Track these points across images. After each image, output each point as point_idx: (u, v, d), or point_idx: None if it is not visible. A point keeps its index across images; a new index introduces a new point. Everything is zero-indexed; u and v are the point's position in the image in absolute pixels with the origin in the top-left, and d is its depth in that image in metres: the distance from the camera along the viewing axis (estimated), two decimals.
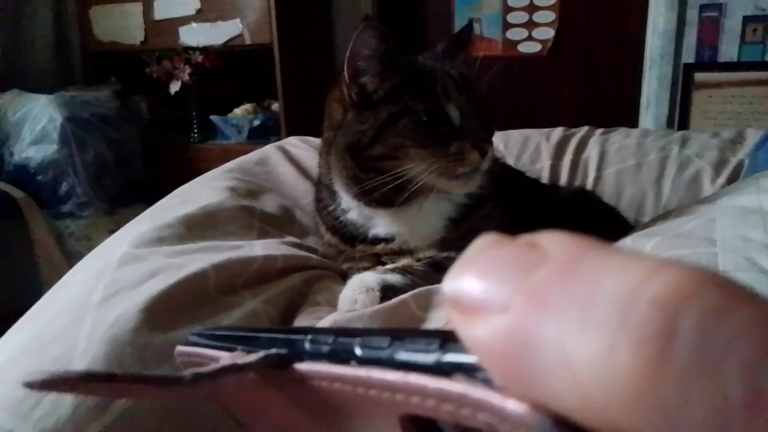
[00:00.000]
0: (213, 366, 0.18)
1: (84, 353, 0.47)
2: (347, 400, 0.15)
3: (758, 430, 0.08)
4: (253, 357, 0.17)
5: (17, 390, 0.43)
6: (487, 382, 0.11)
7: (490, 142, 0.68)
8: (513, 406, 0.10)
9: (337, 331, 0.16)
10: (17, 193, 1.95)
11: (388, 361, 0.13)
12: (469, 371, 0.11)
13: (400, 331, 0.14)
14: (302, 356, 0.16)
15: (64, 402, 0.42)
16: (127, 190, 2.20)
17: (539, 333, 0.10)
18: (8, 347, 0.51)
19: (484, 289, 0.11)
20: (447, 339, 0.12)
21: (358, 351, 0.14)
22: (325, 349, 0.15)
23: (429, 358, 0.12)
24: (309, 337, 0.16)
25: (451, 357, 0.12)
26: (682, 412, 0.08)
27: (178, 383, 0.17)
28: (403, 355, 0.13)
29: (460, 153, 0.65)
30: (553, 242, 0.11)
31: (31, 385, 0.15)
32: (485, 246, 0.12)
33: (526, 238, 0.11)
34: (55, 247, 1.99)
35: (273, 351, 0.17)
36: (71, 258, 1.90)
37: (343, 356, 0.15)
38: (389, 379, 0.13)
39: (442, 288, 0.12)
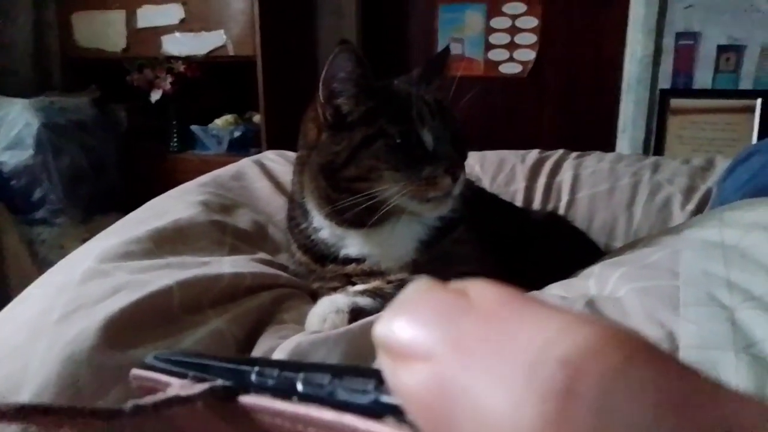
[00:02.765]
0: (156, 397, 0.18)
1: (37, 372, 0.46)
2: None
3: None
4: (198, 388, 0.17)
5: None
6: (413, 426, 0.11)
7: (463, 168, 0.69)
8: None
9: (283, 365, 0.16)
10: None
11: (327, 400, 0.13)
12: (399, 414, 0.12)
13: (342, 368, 0.14)
14: (248, 388, 0.16)
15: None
16: (102, 198, 2.17)
17: (458, 384, 0.10)
18: None
19: (412, 336, 0.11)
20: (381, 381, 0.12)
21: (300, 387, 0.14)
22: (270, 382, 0.16)
23: (365, 399, 0.12)
24: (256, 369, 0.16)
25: (384, 398, 0.12)
26: None
27: (119, 416, 0.17)
28: (341, 395, 0.13)
29: (432, 177, 0.66)
30: (479, 292, 0.11)
31: None
32: (417, 291, 0.12)
33: (456, 286, 0.12)
34: (25, 254, 1.96)
35: (219, 383, 0.17)
36: (43, 266, 1.86)
37: (285, 391, 0.15)
38: (325, 419, 0.13)
39: (373, 330, 0.12)
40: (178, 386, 0.18)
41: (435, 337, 0.11)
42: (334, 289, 0.71)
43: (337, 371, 0.14)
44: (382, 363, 0.11)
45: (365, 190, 0.66)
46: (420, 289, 0.12)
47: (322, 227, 0.73)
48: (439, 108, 0.69)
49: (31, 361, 0.47)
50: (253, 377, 0.16)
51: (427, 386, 0.10)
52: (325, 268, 0.74)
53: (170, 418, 0.21)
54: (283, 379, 0.15)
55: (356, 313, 0.62)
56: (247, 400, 0.16)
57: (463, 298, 0.11)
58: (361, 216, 0.68)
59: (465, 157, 0.72)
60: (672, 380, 0.09)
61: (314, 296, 0.72)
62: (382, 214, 0.67)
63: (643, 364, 0.09)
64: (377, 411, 0.12)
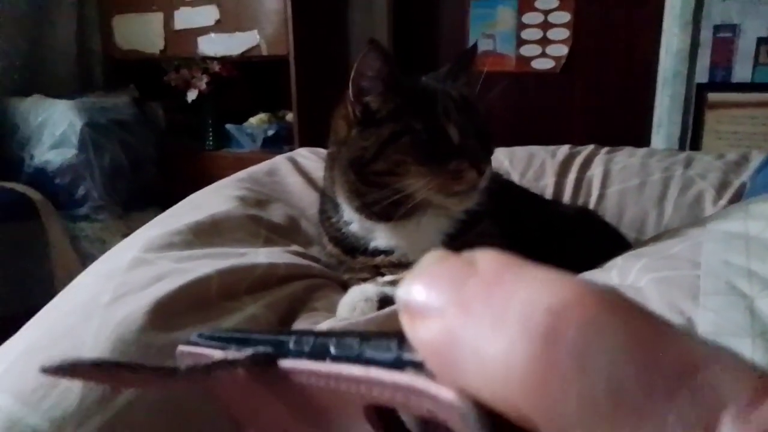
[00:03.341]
0: (205, 361, 0.20)
1: (92, 350, 0.49)
2: (322, 393, 0.17)
3: (616, 415, 0.10)
4: (241, 354, 0.19)
5: (29, 381, 0.46)
6: (430, 375, 0.13)
7: (488, 162, 0.70)
8: (446, 393, 0.12)
9: (318, 333, 0.17)
10: (35, 195, 1.99)
11: (356, 358, 0.15)
12: (418, 366, 0.13)
13: (369, 333, 0.16)
14: (287, 355, 0.18)
15: (71, 394, 0.45)
16: (141, 194, 2.24)
17: (464, 334, 0.12)
18: (22, 342, 0.54)
19: (427, 298, 0.13)
20: (403, 340, 0.14)
21: (332, 350, 0.16)
22: (306, 348, 0.17)
23: (388, 355, 0.14)
24: (293, 338, 0.18)
25: (406, 355, 0.14)
26: (560, 400, 0.10)
27: (174, 375, 0.19)
28: (368, 354, 0.15)
29: (458, 171, 0.67)
30: (484, 259, 0.13)
31: (46, 371, 0.17)
32: (433, 261, 0.14)
33: (466, 256, 0.14)
34: (69, 248, 2.03)
35: (260, 349, 0.19)
36: (85, 259, 1.93)
37: (320, 354, 0.16)
38: (354, 374, 0.15)
39: (396, 294, 0.14)
40: (221, 355, 0.20)
41: (445, 298, 0.13)
42: (364, 280, 0.73)
43: (365, 336, 0.16)
44: (403, 321, 0.13)
45: (393, 184, 0.68)
46: (435, 258, 0.14)
47: (352, 220, 0.75)
48: (465, 103, 0.70)
49: (85, 341, 0.51)
50: (291, 345, 0.18)
51: (439, 338, 0.12)
52: (355, 260, 0.76)
53: (215, 382, 0.23)
54: (317, 345, 0.17)
55: (384, 302, 0.64)
56: (286, 364, 0.18)
57: (470, 265, 0.13)
58: (389, 209, 0.70)
59: (491, 152, 0.73)
60: (641, 326, 0.11)
61: (345, 287, 0.74)
62: (409, 207, 0.69)
63: (616, 312, 0.11)
64: (399, 365, 0.14)
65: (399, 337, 0.14)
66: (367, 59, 0.68)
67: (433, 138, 0.67)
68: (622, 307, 0.11)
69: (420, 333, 0.13)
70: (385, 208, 0.70)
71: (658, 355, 0.10)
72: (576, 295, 0.11)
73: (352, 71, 0.69)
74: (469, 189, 0.68)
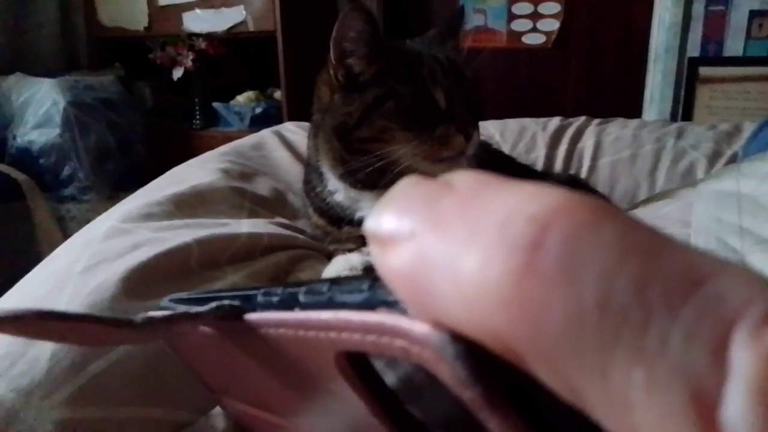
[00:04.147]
0: (166, 312, 0.19)
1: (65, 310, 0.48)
2: (293, 344, 0.16)
3: (607, 330, 0.09)
4: (205, 307, 0.18)
5: None
6: (403, 312, 0.12)
7: (476, 127, 0.68)
8: (418, 327, 0.11)
9: (287, 284, 0.16)
10: (20, 176, 1.97)
11: (327, 304, 0.14)
12: (391, 305, 0.12)
13: (341, 278, 0.15)
14: (255, 308, 0.17)
15: (39, 363, 0.43)
16: (128, 174, 2.21)
17: (436, 253, 0.10)
18: None
19: (397, 222, 0.11)
20: (375, 280, 0.13)
21: (302, 297, 0.15)
22: (275, 299, 0.16)
23: (359, 297, 0.13)
24: (262, 290, 0.17)
25: (377, 294, 0.13)
26: (543, 314, 0.09)
27: (129, 325, 0.18)
28: (338, 297, 0.14)
29: (445, 137, 0.65)
30: (461, 177, 0.12)
31: None
32: (405, 186, 0.12)
33: (442, 178, 0.12)
34: (56, 230, 2.02)
35: (225, 302, 0.18)
36: None
37: (289, 303, 0.15)
38: (323, 318, 0.14)
39: (364, 225, 0.12)
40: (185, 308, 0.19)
41: (417, 219, 0.11)
42: (350, 251, 0.72)
43: (336, 280, 0.15)
44: (373, 253, 0.12)
45: (377, 150, 0.66)
46: (407, 183, 0.12)
47: (337, 189, 0.74)
48: (452, 67, 0.68)
49: (56, 308, 0.49)
50: (259, 298, 0.17)
51: (410, 262, 0.11)
52: (341, 231, 0.75)
53: (179, 338, 0.22)
54: (286, 294, 0.16)
55: (369, 271, 0.63)
56: (254, 317, 0.17)
57: (445, 186, 0.12)
58: (374, 177, 0.68)
59: (479, 117, 0.71)
60: (637, 234, 0.09)
61: (330, 258, 0.73)
62: (395, 175, 0.67)
63: (608, 220, 0.09)
64: (370, 304, 0.13)
65: (372, 278, 0.13)
66: (348, 19, 0.65)
67: (418, 103, 0.66)
68: (614, 216, 0.10)
69: (391, 261, 0.11)
70: (370, 176, 0.68)
71: (658, 264, 0.09)
72: (562, 203, 0.10)
73: (333, 32, 0.67)
74: (456, 155, 0.66)
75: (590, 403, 0.09)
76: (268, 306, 0.16)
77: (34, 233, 1.97)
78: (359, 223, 0.73)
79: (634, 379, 0.08)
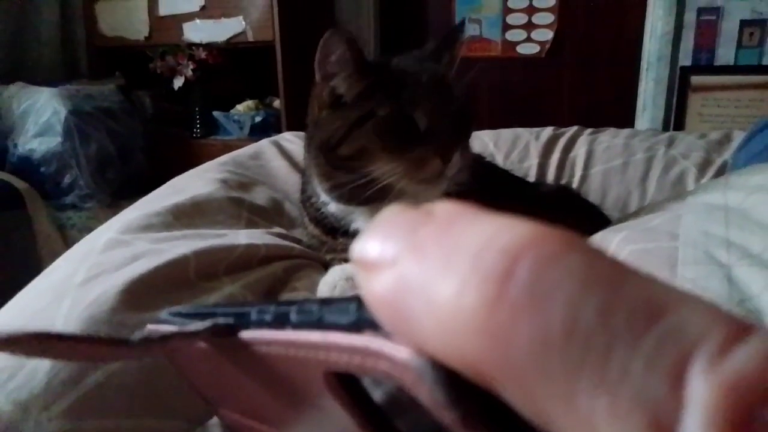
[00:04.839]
0: (162, 330, 0.19)
1: (62, 330, 0.49)
2: (284, 362, 0.16)
3: (572, 357, 0.09)
4: (200, 325, 0.18)
5: None
6: (388, 336, 0.12)
7: (457, 149, 0.68)
8: (400, 352, 0.12)
9: (280, 302, 0.17)
10: (20, 184, 1.97)
11: (316, 323, 0.14)
12: (376, 327, 0.12)
13: (331, 299, 0.15)
14: (248, 325, 0.17)
15: (38, 376, 0.44)
16: (129, 183, 2.22)
17: (415, 280, 0.11)
18: None
19: (381, 249, 0.12)
20: (363, 301, 0.13)
21: (293, 317, 0.15)
22: (268, 317, 0.17)
23: (346, 318, 0.13)
24: (256, 308, 0.18)
25: (365, 316, 0.13)
26: (512, 341, 0.10)
27: (126, 344, 0.18)
28: (327, 318, 0.14)
29: (422, 159, 0.66)
30: (441, 207, 0.12)
31: None
32: (389, 214, 0.13)
33: (423, 207, 0.13)
34: (57, 237, 2.02)
35: (220, 320, 0.18)
36: None
37: (281, 322, 0.16)
38: (312, 339, 0.14)
39: (351, 250, 0.13)
40: (182, 326, 0.20)
41: (398, 246, 0.12)
42: (346, 260, 0.73)
43: (326, 300, 0.15)
44: (359, 278, 0.12)
45: (359, 168, 0.67)
46: (391, 211, 0.13)
47: (329, 201, 0.75)
48: (438, 86, 0.68)
49: (55, 321, 0.50)
50: (253, 315, 0.17)
51: (391, 287, 0.11)
52: (336, 241, 0.76)
53: (176, 356, 0.22)
54: (279, 313, 0.16)
55: None
56: (247, 334, 0.17)
57: (426, 215, 0.12)
58: (356, 193, 0.69)
59: (465, 137, 0.71)
60: (603, 265, 0.10)
61: (327, 267, 0.74)
62: (382, 191, 0.68)
63: (576, 251, 0.10)
64: (357, 326, 0.13)
65: (359, 299, 0.13)
66: (328, 44, 0.67)
67: (397, 124, 0.66)
68: (582, 247, 0.10)
69: (374, 286, 0.12)
70: (353, 192, 0.69)
71: (622, 295, 0.09)
72: (532, 235, 0.10)
73: (317, 53, 0.68)
74: (434, 177, 0.67)
75: (558, 426, 0.09)
76: (260, 324, 0.17)
77: (35, 241, 1.97)
78: (354, 234, 0.75)
79: (598, 405, 0.09)
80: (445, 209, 0.12)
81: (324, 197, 0.75)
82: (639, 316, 0.09)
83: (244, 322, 0.17)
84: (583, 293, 0.09)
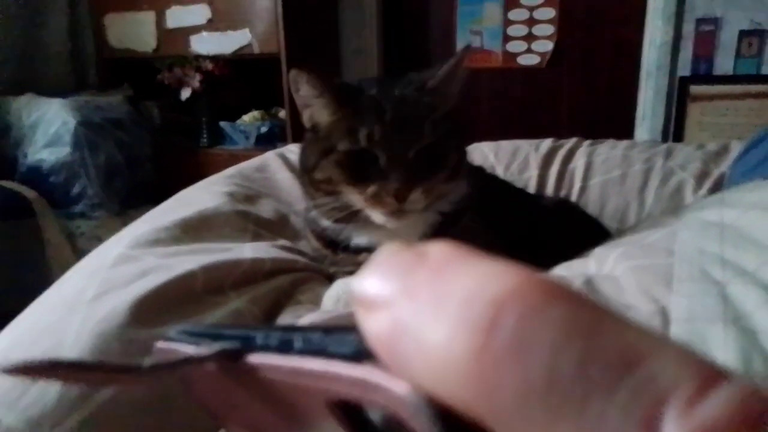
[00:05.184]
0: (171, 357, 0.20)
1: (72, 346, 0.50)
2: (288, 388, 0.17)
3: (552, 405, 0.10)
4: (209, 350, 0.19)
5: (5, 381, 0.46)
6: (386, 368, 0.12)
7: (412, 189, 0.67)
8: (398, 387, 0.12)
9: (284, 329, 0.18)
10: (30, 194, 2.00)
11: (319, 352, 0.15)
12: (374, 360, 0.13)
13: (332, 327, 0.16)
14: (255, 349, 0.18)
15: (49, 393, 0.45)
16: (137, 192, 2.25)
17: (409, 323, 0.11)
18: (3, 340, 0.54)
19: (377, 290, 0.13)
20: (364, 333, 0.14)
21: (297, 344, 0.16)
22: (273, 343, 0.17)
23: (348, 348, 0.14)
24: (262, 333, 0.18)
25: (365, 347, 0.13)
26: (498, 392, 0.10)
27: (137, 372, 0.19)
28: (330, 347, 0.14)
29: (377, 196, 0.67)
30: (435, 249, 0.13)
31: (6, 371, 0.17)
32: (386, 253, 0.13)
33: (419, 247, 0.13)
34: (66, 246, 2.04)
35: (228, 345, 0.19)
36: (82, 258, 1.93)
37: (286, 349, 0.16)
38: (313, 368, 0.14)
39: (352, 288, 0.14)
40: (192, 350, 0.20)
41: (393, 289, 0.12)
42: (350, 273, 0.74)
43: (328, 329, 0.16)
44: (357, 315, 0.13)
45: (332, 192, 0.70)
46: (388, 251, 0.13)
47: (320, 216, 0.77)
48: (402, 123, 0.67)
49: (66, 337, 0.51)
50: (259, 340, 0.18)
51: (387, 328, 0.12)
52: (337, 255, 0.77)
53: (185, 378, 0.22)
54: (284, 339, 0.17)
55: None
56: (253, 359, 0.18)
57: (421, 256, 0.13)
58: (335, 213, 0.71)
59: (432, 174, 0.70)
60: (583, 315, 0.10)
61: (331, 280, 0.75)
62: (357, 214, 0.70)
63: (558, 302, 0.10)
64: (358, 357, 0.13)
65: (358, 330, 0.14)
66: (293, 80, 0.69)
67: (357, 159, 0.67)
68: (564, 297, 0.10)
69: (371, 325, 0.12)
70: (331, 212, 0.72)
71: (599, 345, 0.10)
72: (518, 285, 0.11)
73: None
74: (392, 213, 0.67)
75: None
76: (266, 348, 0.17)
77: (44, 249, 1.99)
78: (355, 250, 0.75)
79: None
80: (438, 252, 0.12)
81: (314, 213, 0.77)
82: (614, 367, 0.09)
83: (251, 346, 0.18)
84: (562, 343, 0.10)
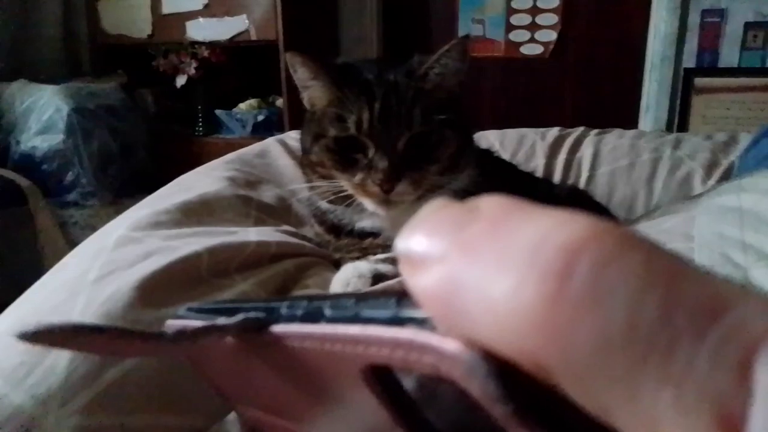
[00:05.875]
0: (195, 325, 0.19)
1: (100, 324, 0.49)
2: (317, 356, 0.16)
3: (635, 353, 0.09)
4: (232, 320, 0.18)
5: (13, 359, 0.45)
6: (432, 329, 0.12)
7: (399, 179, 0.66)
8: (449, 345, 0.12)
9: (311, 297, 0.17)
10: (23, 182, 1.98)
11: (353, 318, 0.14)
12: (419, 322, 0.13)
13: (365, 293, 0.16)
14: (279, 320, 0.17)
15: (56, 370, 0.44)
16: (131, 180, 2.22)
17: (468, 276, 0.11)
18: (6, 320, 0.53)
19: (428, 244, 0.12)
20: (402, 297, 0.13)
21: (327, 312, 0.15)
22: (299, 312, 0.17)
23: (386, 313, 0.13)
24: (286, 303, 0.18)
25: (405, 311, 0.13)
26: (573, 337, 0.10)
27: (160, 339, 0.19)
28: (365, 312, 0.14)
29: (363, 185, 0.67)
30: (488, 203, 0.12)
31: (23, 337, 0.16)
32: (433, 209, 0.13)
33: (468, 202, 0.13)
34: (58, 235, 2.02)
35: (251, 314, 0.18)
36: (75, 246, 1.91)
37: (314, 317, 0.16)
38: (351, 333, 0.14)
39: (395, 245, 0.13)
40: (212, 321, 0.19)
41: (447, 242, 0.12)
42: (355, 259, 0.73)
43: (361, 296, 0.15)
44: (403, 272, 0.13)
45: (325, 176, 0.71)
46: (435, 206, 0.13)
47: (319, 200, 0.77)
48: (390, 112, 0.67)
49: (71, 317, 0.50)
50: (283, 310, 0.17)
51: (441, 283, 0.11)
52: (340, 241, 0.76)
53: (203, 351, 0.22)
54: (311, 308, 0.16)
55: (377, 279, 0.64)
56: (278, 329, 0.17)
57: (472, 211, 0.12)
58: (328, 195, 0.72)
59: (425, 163, 0.69)
60: (663, 263, 0.10)
61: (336, 265, 0.74)
62: (346, 197, 0.71)
63: (635, 249, 0.10)
64: (398, 321, 0.13)
65: (397, 295, 0.14)
66: (290, 63, 0.71)
67: (346, 146, 0.68)
68: (641, 245, 0.10)
69: (422, 281, 0.12)
70: (325, 194, 0.73)
71: (683, 292, 0.09)
72: (591, 232, 0.10)
73: None
74: (380, 201, 0.68)
75: (619, 421, 0.10)
76: (292, 319, 0.17)
77: (36, 238, 1.97)
78: (360, 234, 0.75)
79: (662, 400, 0.09)
80: (494, 204, 0.12)
81: (312, 194, 0.77)
82: (701, 313, 0.09)
83: (275, 317, 0.17)
84: (644, 291, 0.09)
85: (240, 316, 0.18)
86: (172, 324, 0.21)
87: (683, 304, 0.09)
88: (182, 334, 0.19)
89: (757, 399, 0.08)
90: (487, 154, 0.90)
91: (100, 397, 0.44)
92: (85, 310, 0.51)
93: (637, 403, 0.09)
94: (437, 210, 0.13)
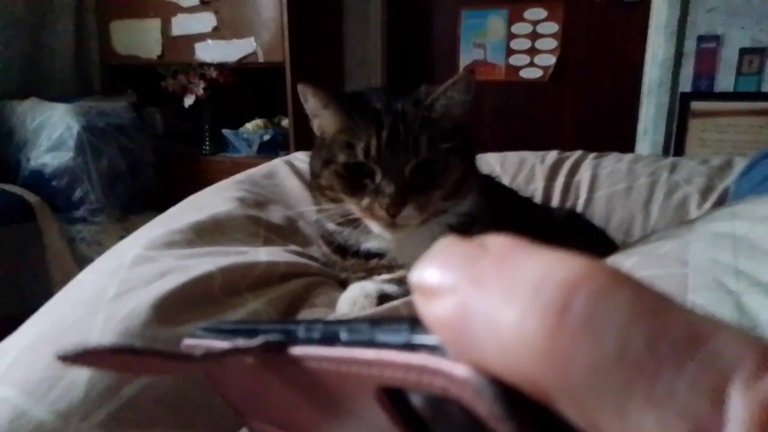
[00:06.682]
0: (219, 347, 0.20)
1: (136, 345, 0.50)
2: (332, 376, 0.17)
3: (624, 378, 0.10)
4: (253, 342, 0.19)
5: (35, 374, 0.46)
6: (443, 354, 0.13)
7: (404, 204, 0.69)
8: (459, 370, 0.12)
9: (327, 321, 0.18)
10: (32, 198, 1.99)
11: (368, 343, 0.15)
12: (430, 348, 0.13)
13: (378, 318, 0.18)
14: (296, 342, 0.18)
15: (77, 386, 0.45)
16: (138, 198, 2.25)
17: (477, 307, 0.12)
18: (26, 336, 0.54)
19: (441, 277, 0.13)
20: (415, 323, 0.15)
21: (343, 335, 0.16)
22: (316, 335, 0.18)
23: (400, 338, 0.14)
24: (303, 326, 0.18)
25: (417, 337, 0.14)
26: (571, 364, 0.11)
27: (189, 359, 0.20)
28: (380, 337, 0.15)
29: (370, 209, 0.70)
30: (494, 241, 0.13)
31: (62, 358, 0.17)
32: (445, 245, 0.14)
33: (476, 240, 0.14)
34: (66, 251, 2.03)
35: (271, 337, 0.19)
36: (82, 262, 1.93)
37: (331, 340, 0.17)
38: (367, 357, 0.15)
39: (409, 277, 0.15)
40: (227, 344, 0.20)
41: (458, 276, 0.13)
42: (362, 279, 0.75)
43: (375, 321, 0.16)
44: (417, 302, 0.14)
45: (334, 200, 0.74)
46: (446, 243, 0.14)
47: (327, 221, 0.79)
48: (397, 140, 0.69)
49: (90, 334, 0.51)
50: (300, 333, 0.18)
51: (452, 313, 0.13)
52: (346, 261, 0.78)
53: (223, 371, 0.23)
54: (328, 331, 0.17)
55: (383, 299, 0.66)
56: (297, 350, 0.18)
57: (480, 247, 0.13)
58: (337, 218, 0.75)
59: (430, 188, 0.71)
60: (649, 298, 0.11)
61: (342, 285, 0.76)
62: (353, 220, 0.73)
63: (625, 286, 0.11)
64: (411, 347, 0.14)
65: (409, 321, 0.14)
66: (301, 93, 0.73)
67: (354, 171, 0.71)
68: (630, 282, 0.11)
69: (435, 310, 0.13)
70: (333, 217, 0.75)
71: (666, 324, 0.10)
72: (586, 270, 0.11)
73: None
74: (386, 225, 0.70)
75: None
76: (309, 341, 0.18)
77: (44, 253, 1.98)
78: (366, 255, 0.77)
79: (647, 420, 0.10)
80: (500, 243, 0.13)
81: (320, 216, 0.79)
82: (682, 344, 0.10)
83: (292, 339, 0.18)
84: (632, 323, 0.10)
85: (260, 339, 0.19)
86: (190, 343, 0.22)
87: (666, 335, 0.10)
88: (209, 356, 0.20)
89: (730, 422, 0.09)
90: (489, 180, 0.93)
91: (119, 411, 0.45)
92: (104, 327, 0.52)
93: (625, 422, 0.10)
94: (449, 246, 0.14)
